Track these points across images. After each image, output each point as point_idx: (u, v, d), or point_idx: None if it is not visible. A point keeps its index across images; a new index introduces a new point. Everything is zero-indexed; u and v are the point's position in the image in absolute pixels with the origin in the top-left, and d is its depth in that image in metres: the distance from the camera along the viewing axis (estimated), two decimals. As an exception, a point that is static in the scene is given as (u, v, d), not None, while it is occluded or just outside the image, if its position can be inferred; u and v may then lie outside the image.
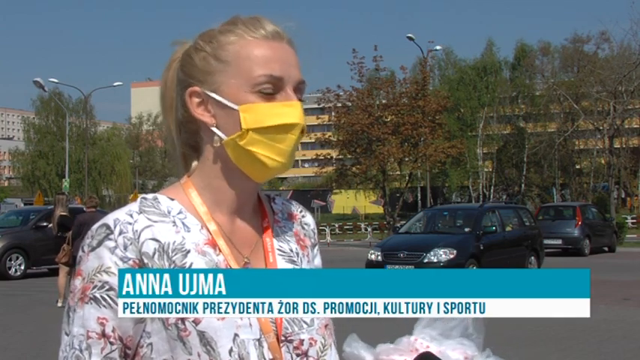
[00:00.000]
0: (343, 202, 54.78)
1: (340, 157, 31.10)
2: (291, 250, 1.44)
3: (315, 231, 1.56)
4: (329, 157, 31.15)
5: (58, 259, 13.11)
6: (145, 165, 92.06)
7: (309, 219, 1.55)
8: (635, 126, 52.43)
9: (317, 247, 1.55)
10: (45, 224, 18.15)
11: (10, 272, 17.92)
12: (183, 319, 1.26)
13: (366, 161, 28.58)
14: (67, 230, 13.38)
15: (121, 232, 1.29)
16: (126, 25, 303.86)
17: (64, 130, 53.78)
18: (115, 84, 51.81)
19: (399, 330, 1.58)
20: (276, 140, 1.32)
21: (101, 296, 1.27)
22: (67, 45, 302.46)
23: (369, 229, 35.60)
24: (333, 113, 29.71)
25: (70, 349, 1.29)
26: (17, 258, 18.17)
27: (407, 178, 34.15)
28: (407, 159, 29.91)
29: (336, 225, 43.43)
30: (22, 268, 18.21)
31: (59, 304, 12.80)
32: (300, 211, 1.54)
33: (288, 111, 1.32)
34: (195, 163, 1.42)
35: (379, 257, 14.67)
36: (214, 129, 1.34)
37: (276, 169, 1.34)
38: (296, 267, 1.43)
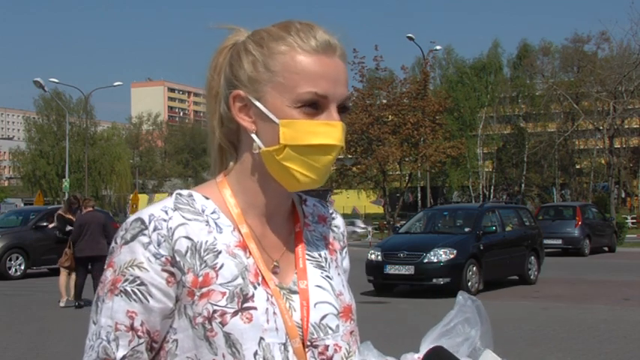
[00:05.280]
0: (343, 202, 54.57)
1: (340, 157, 31.05)
2: (320, 256, 1.45)
3: (345, 233, 1.56)
4: (329, 157, 31.04)
5: (60, 264, 13.09)
6: (144, 165, 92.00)
7: (339, 221, 1.55)
8: (635, 126, 52.38)
9: (345, 250, 1.55)
10: (45, 224, 18.15)
11: (10, 272, 17.91)
12: (210, 320, 1.27)
13: (366, 161, 28.55)
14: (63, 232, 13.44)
15: (155, 229, 1.30)
16: (126, 25, 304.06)
17: (64, 130, 53.74)
18: (115, 84, 51.93)
19: (405, 345, 1.57)
20: (312, 159, 1.31)
21: (132, 290, 1.28)
22: (67, 45, 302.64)
23: (369, 229, 35.51)
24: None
25: (96, 339, 1.30)
26: (17, 258, 18.16)
27: (407, 178, 34.14)
28: (407, 159, 29.90)
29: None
30: (22, 268, 18.20)
31: (61, 304, 12.81)
32: (331, 213, 1.54)
33: (328, 131, 1.31)
34: (232, 163, 1.42)
35: (379, 257, 14.65)
36: (254, 136, 1.34)
37: (308, 184, 1.34)
38: (324, 272, 1.43)
